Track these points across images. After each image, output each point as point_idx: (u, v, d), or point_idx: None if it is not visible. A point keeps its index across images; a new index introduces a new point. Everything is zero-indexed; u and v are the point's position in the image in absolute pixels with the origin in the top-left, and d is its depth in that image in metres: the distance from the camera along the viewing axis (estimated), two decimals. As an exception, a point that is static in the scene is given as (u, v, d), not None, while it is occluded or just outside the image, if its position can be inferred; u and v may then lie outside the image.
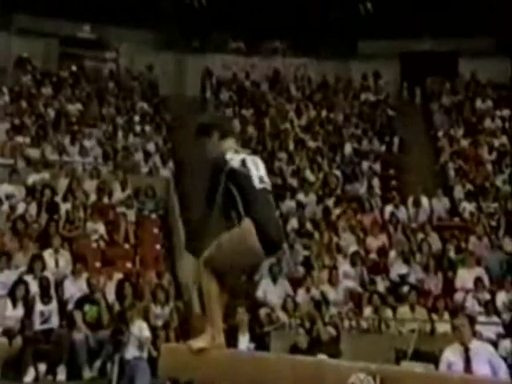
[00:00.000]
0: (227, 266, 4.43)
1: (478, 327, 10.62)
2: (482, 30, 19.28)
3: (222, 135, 4.70)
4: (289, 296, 11.79)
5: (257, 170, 4.51)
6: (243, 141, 16.50)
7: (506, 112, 17.61)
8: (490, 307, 11.55)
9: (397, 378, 3.85)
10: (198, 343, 4.42)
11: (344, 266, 12.74)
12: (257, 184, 4.45)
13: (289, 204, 14.57)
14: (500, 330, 11.04)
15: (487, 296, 11.95)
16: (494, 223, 14.01)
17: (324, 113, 18.30)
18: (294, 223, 13.87)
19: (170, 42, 20.62)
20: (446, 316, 11.37)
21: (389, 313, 11.82)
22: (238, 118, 17.47)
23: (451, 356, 7.80)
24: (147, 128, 17.00)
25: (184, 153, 16.62)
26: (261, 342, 9.59)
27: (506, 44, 19.43)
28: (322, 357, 8.27)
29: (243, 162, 4.48)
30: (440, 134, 17.46)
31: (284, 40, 21.20)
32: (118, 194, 14.23)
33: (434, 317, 11.53)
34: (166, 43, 20.59)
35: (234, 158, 4.50)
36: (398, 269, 12.84)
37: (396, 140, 17.62)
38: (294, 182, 15.37)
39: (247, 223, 4.32)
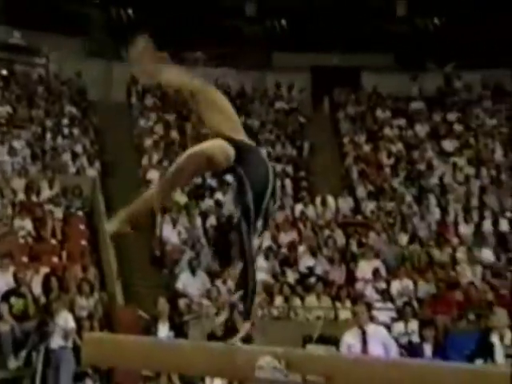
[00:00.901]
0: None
1: (374, 312, 10.94)
2: (383, 48, 19.81)
3: None
4: (213, 285, 11.86)
5: None
6: (166, 144, 16.49)
7: (402, 121, 18.08)
8: (385, 295, 11.93)
9: (300, 360, 3.92)
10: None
11: (257, 260, 12.87)
12: None
13: (208, 203, 14.61)
14: (393, 314, 11.37)
15: (383, 285, 12.29)
16: (391, 220, 14.41)
17: (242, 119, 18.31)
18: (212, 220, 13.91)
19: (98, 50, 20.38)
20: (348, 304, 11.64)
21: (297, 302, 12.01)
22: (162, 123, 17.39)
23: (350, 339, 8.02)
24: (75, 131, 16.73)
25: (110, 154, 16.49)
26: (180, 330, 9.62)
27: (403, 60, 19.99)
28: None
29: None
30: (345, 140, 17.76)
31: (206, 51, 21.23)
32: (46, 193, 14.01)
33: (338, 304, 11.81)
34: (94, 51, 20.35)
35: None
36: (306, 261, 13.04)
37: (306, 145, 17.83)
38: (213, 183, 15.40)
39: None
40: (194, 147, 3.97)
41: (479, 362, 7.78)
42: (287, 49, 20.43)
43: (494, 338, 8.03)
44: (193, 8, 19.99)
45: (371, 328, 8.19)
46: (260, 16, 21.29)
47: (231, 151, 3.98)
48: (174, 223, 13.55)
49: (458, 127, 17.61)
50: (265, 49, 20.95)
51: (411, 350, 8.86)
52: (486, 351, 7.99)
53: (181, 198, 14.41)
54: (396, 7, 20.77)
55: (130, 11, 21.33)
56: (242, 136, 4.19)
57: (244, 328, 4.18)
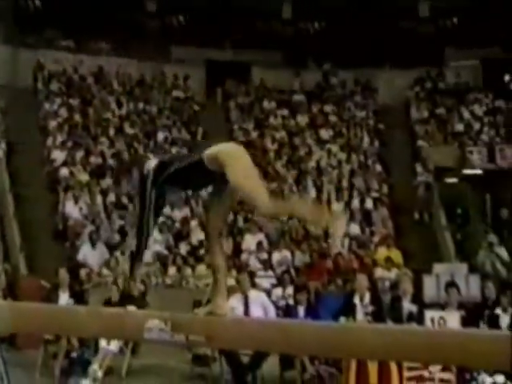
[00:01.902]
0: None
1: (257, 280, 11.17)
2: (271, 46, 20.03)
3: None
4: (111, 256, 11.73)
5: None
6: (70, 127, 16.10)
7: (285, 112, 18.33)
8: (267, 264, 12.16)
9: (184, 322, 3.99)
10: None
11: (154, 233, 12.82)
12: None
13: (108, 181, 14.39)
14: (274, 281, 11.63)
15: (265, 255, 12.51)
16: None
17: (141, 105, 18.15)
18: (112, 197, 13.74)
19: (5, 36, 19.57)
20: (234, 272, 11.78)
21: (189, 271, 12.06)
22: (66, 107, 16.95)
23: (234, 303, 8.18)
24: (-18, 113, 16.09)
25: (15, 135, 15.93)
26: (80, 297, 9.48)
27: (288, 58, 20.28)
28: (131, 308, 8.35)
29: None
30: (235, 127, 17.84)
31: (109, 41, 20.79)
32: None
33: (225, 273, 11.92)
34: (1, 38, 19.53)
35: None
36: (197, 235, 13.09)
37: (200, 130, 17.80)
38: (113, 163, 15.18)
39: None
40: None
41: (343, 319, 8.12)
42: (185, 43, 20.30)
43: (356, 300, 8.39)
44: (100, 3, 19.53)
45: (253, 293, 8.41)
46: (160, 12, 21.04)
47: None
48: (76, 200, 13.29)
49: (333, 118, 18.01)
50: (164, 42, 20.73)
51: (287, 311, 9.09)
52: (350, 310, 8.34)
53: (83, 176, 14.14)
54: (283, 10, 20.99)
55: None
56: None
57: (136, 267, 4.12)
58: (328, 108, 18.43)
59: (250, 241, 12.83)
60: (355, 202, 14.51)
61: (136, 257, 3.97)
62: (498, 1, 19.03)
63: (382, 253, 12.30)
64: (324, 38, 20.54)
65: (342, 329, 4.21)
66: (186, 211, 13.91)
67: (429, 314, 7.93)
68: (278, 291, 10.85)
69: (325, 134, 17.30)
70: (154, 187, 3.85)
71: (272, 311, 8.48)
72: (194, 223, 13.40)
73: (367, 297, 8.36)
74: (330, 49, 19.78)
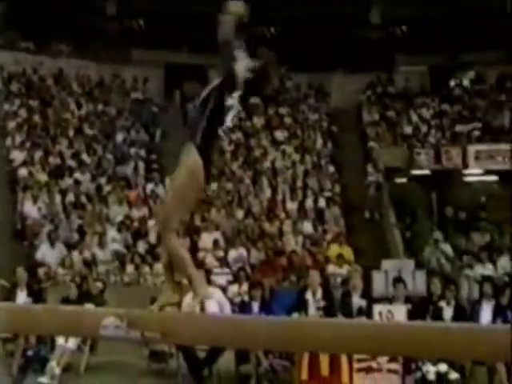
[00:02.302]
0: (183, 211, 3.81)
1: (213, 277, 11.15)
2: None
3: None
4: (69, 255, 11.57)
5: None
6: (29, 127, 15.83)
7: (242, 114, 18.31)
8: (223, 262, 12.15)
9: (140, 318, 3.97)
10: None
11: (112, 232, 12.70)
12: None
13: (67, 181, 14.20)
14: (230, 278, 11.63)
15: (222, 253, 12.50)
16: (229, 198, 14.63)
17: (100, 107, 17.95)
18: (71, 197, 13.56)
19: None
20: (191, 270, 11.73)
21: (147, 269, 11.98)
22: (26, 108, 16.66)
23: (190, 299, 8.15)
24: None
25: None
26: (38, 296, 9.33)
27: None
28: (89, 306, 8.26)
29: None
30: (191, 127, 17.75)
31: (69, 43, 20.53)
32: None
33: (182, 271, 11.86)
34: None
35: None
36: (155, 234, 13.00)
37: (158, 131, 17.69)
38: (72, 163, 14.98)
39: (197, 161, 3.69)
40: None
41: (296, 314, 8.19)
42: (144, 46, 20.16)
43: (309, 295, 8.45)
44: (60, 5, 19.28)
45: (209, 290, 8.36)
46: (119, 15, 20.86)
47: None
48: (35, 200, 13.08)
49: (287, 120, 18.09)
50: (123, 45, 20.54)
51: (242, 307, 9.11)
52: (302, 306, 8.40)
53: (42, 176, 13.92)
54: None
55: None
56: None
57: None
58: (283, 110, 18.51)
59: (206, 239, 12.80)
60: (309, 202, 14.60)
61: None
62: (445, 11, 19.41)
63: (334, 250, 12.41)
64: (280, 42, 20.62)
65: (294, 323, 4.24)
66: (144, 210, 13.81)
67: (377, 308, 8.04)
68: (233, 288, 10.86)
69: (280, 135, 17.37)
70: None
71: (227, 307, 8.50)
72: (151, 222, 13.30)
73: (319, 292, 8.44)
74: (286, 53, 19.85)
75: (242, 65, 3.76)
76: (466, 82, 18.72)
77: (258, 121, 18.03)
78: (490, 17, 19.63)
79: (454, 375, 7.49)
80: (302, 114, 18.29)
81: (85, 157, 15.34)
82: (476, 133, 16.67)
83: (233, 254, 12.46)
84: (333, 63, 19.74)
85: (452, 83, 18.86)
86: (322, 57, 19.44)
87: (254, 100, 18.98)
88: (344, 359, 7.62)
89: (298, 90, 19.38)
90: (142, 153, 16.53)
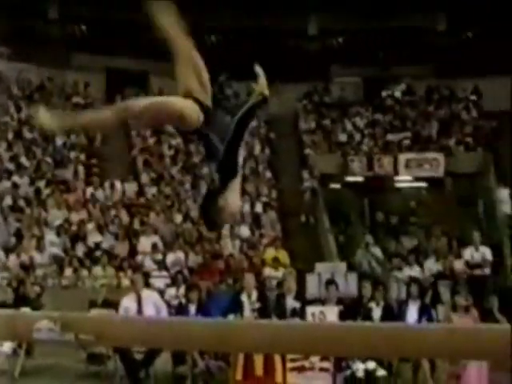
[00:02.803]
0: None
1: (152, 280, 11.07)
2: (170, 55, 19.92)
3: None
4: (7, 259, 11.27)
5: None
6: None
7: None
8: (161, 265, 12.08)
9: (74, 321, 3.91)
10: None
11: (50, 236, 12.44)
12: None
13: (5, 184, 13.83)
14: (168, 281, 11.56)
15: (160, 257, 12.42)
16: (168, 203, 14.55)
17: (39, 111, 17.56)
18: (8, 201, 13.21)
19: None
20: (130, 273, 11.61)
21: (85, 272, 11.79)
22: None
23: (127, 303, 8.09)
24: None
25: None
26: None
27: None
28: (26, 310, 8.07)
29: None
30: (133, 133, 17.59)
31: (10, 46, 20.03)
32: None
33: (121, 274, 11.73)
34: None
35: None
36: (94, 237, 12.83)
37: (98, 136, 17.39)
38: (10, 166, 14.61)
39: None
40: (169, 97, 3.53)
41: (231, 316, 8.21)
42: (86, 50, 19.87)
43: (244, 297, 8.49)
44: (1, 8, 18.79)
45: (146, 293, 8.34)
46: (61, 19, 20.49)
47: (201, 116, 3.52)
48: (-29, 203, 12.70)
49: (227, 127, 18.10)
50: (65, 49, 20.19)
51: (179, 310, 9.07)
52: (238, 307, 8.44)
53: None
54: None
55: None
56: (208, 98, 3.71)
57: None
58: (223, 117, 18.47)
59: (145, 243, 12.68)
60: (246, 207, 14.63)
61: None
62: (379, 27, 19.89)
63: (270, 253, 12.48)
64: (220, 51, 20.69)
65: (228, 325, 4.26)
66: (83, 214, 13.58)
67: (310, 310, 8.14)
68: (171, 291, 10.78)
69: (219, 141, 17.34)
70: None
71: (164, 310, 8.45)
72: (90, 226, 13.10)
73: (254, 294, 8.48)
74: (225, 61, 19.92)
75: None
76: (397, 94, 19.19)
77: (198, 127, 17.96)
78: (420, 34, 20.27)
79: (381, 372, 7.65)
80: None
81: (24, 160, 14.97)
82: (406, 142, 17.11)
83: (171, 257, 12.38)
84: (271, 72, 19.79)
85: (384, 94, 19.29)
86: (261, 65, 19.54)
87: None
88: (278, 359, 7.67)
89: (237, 98, 19.35)
90: (82, 157, 16.26)
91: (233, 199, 3.52)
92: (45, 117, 3.38)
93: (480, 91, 18.62)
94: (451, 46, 20.19)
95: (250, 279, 8.53)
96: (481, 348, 3.70)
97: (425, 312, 8.50)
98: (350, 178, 15.88)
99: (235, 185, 3.54)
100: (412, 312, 8.56)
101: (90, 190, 14.54)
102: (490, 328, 3.79)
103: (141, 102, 3.47)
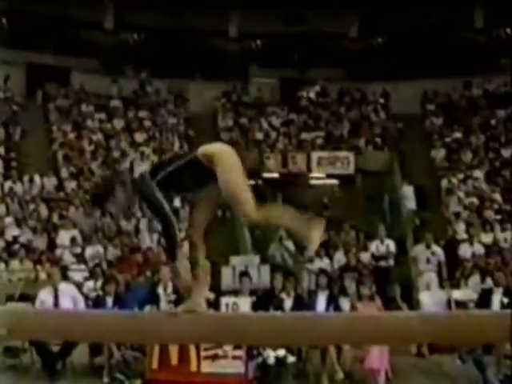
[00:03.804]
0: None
1: (70, 273, 10.84)
2: (89, 53, 19.62)
3: None
4: None
5: None
6: None
7: (102, 115, 17.86)
8: (80, 258, 11.85)
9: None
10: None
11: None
12: None
13: None
14: (86, 274, 11.35)
15: (79, 250, 12.19)
16: (88, 197, 14.25)
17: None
18: None
19: None
20: (48, 266, 11.32)
21: (2, 266, 11.40)
22: None
23: (44, 295, 7.90)
24: None
25: None
26: None
27: (107, 65, 19.91)
28: None
29: None
30: (54, 127, 17.14)
31: None
32: None
33: (39, 267, 11.42)
34: None
35: None
36: (12, 231, 12.42)
37: (18, 130, 16.86)
38: None
39: None
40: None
41: (148, 307, 8.18)
42: (6, 45, 19.15)
43: (160, 289, 8.48)
44: None
45: (63, 286, 8.17)
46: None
47: None
48: None
49: (147, 123, 17.95)
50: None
51: (96, 302, 8.93)
52: (154, 299, 8.42)
53: None
54: (105, 21, 20.54)
55: None
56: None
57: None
58: (143, 114, 18.32)
59: (64, 236, 12.39)
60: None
61: (174, 247, 3.68)
62: (297, 31, 20.22)
63: (187, 247, 12.43)
64: (142, 48, 20.46)
65: (141, 317, 4.26)
66: (1, 208, 13.12)
67: (224, 301, 8.22)
68: (89, 284, 10.60)
69: (139, 137, 17.18)
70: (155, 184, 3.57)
71: (81, 303, 8.31)
72: (8, 220, 12.67)
73: (170, 286, 8.48)
74: (147, 59, 19.76)
75: None
76: (311, 95, 19.53)
77: (118, 123, 17.73)
78: (333, 39, 20.76)
79: (291, 359, 7.81)
80: (161, 118, 18.20)
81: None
82: (319, 141, 17.46)
83: (90, 250, 12.16)
84: (192, 71, 19.87)
85: (299, 95, 19.60)
86: (182, 64, 19.53)
87: (114, 103, 18.67)
88: (192, 348, 7.71)
89: (157, 95, 19.27)
90: (1, 150, 15.69)
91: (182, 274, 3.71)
92: None
93: (388, 94, 19.23)
94: (362, 51, 20.78)
95: (165, 272, 8.50)
96: (381, 333, 3.87)
97: (332, 301, 8.73)
98: (266, 175, 16.06)
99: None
100: (321, 302, 8.78)
101: (8, 184, 14.06)
102: (391, 315, 3.97)
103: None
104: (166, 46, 20.39)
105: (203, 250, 3.85)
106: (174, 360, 7.73)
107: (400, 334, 3.92)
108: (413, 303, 10.92)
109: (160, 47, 20.36)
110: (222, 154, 3.55)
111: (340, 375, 8.36)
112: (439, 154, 16.70)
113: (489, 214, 13.95)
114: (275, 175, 16.26)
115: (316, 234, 3.58)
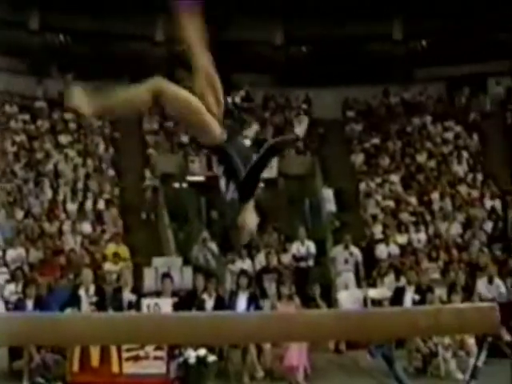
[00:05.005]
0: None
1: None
2: (17, 53, 19.10)
3: None
4: None
5: None
6: None
7: (27, 117, 17.41)
8: (1, 261, 11.53)
9: None
10: None
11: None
12: None
13: None
14: (7, 277, 10.97)
15: (0, 253, 11.83)
16: (10, 199, 13.87)
17: None
18: None
19: None
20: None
21: None
22: None
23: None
24: None
25: None
26: None
27: (33, 67, 19.42)
28: None
29: None
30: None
31: None
32: None
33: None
34: None
35: None
36: None
37: None
38: None
39: None
40: (203, 103, 3.38)
41: (69, 310, 8.05)
42: None
43: (82, 292, 8.35)
44: None
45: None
46: None
47: (223, 133, 3.46)
48: None
49: (72, 125, 17.56)
50: None
51: (16, 305, 8.71)
52: (75, 302, 8.30)
53: None
54: (30, 22, 20.01)
55: None
56: (221, 114, 3.70)
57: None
58: (68, 116, 17.90)
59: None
60: (88, 203, 14.32)
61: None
62: (221, 38, 20.33)
63: (110, 249, 12.30)
64: (68, 50, 20.06)
65: (61, 319, 4.19)
66: None
67: (145, 302, 8.18)
68: (11, 287, 10.31)
69: (64, 139, 16.81)
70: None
71: (1, 305, 8.06)
72: None
73: (92, 289, 8.38)
74: (74, 61, 19.40)
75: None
76: (237, 99, 19.62)
77: (42, 124, 17.29)
78: (259, 46, 21.04)
79: (211, 358, 7.86)
80: (86, 120, 17.85)
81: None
82: (243, 145, 17.58)
83: (11, 253, 11.81)
84: (119, 74, 19.62)
85: (225, 99, 19.66)
86: (109, 67, 19.28)
87: (39, 104, 18.19)
88: (113, 350, 7.64)
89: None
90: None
91: (249, 219, 3.57)
92: (80, 98, 3.09)
93: (311, 101, 19.61)
94: (287, 58, 21.14)
95: (87, 274, 8.40)
96: (294, 331, 3.98)
97: (253, 302, 8.85)
98: (190, 178, 16.05)
99: (250, 205, 3.58)
100: (242, 302, 8.88)
101: None
102: (304, 313, 4.08)
103: (176, 89, 3.30)
104: (92, 48, 20.07)
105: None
106: (95, 362, 7.64)
107: (313, 330, 4.05)
108: (332, 302, 11.20)
109: (87, 49, 20.03)
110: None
111: (260, 373, 8.49)
112: (358, 158, 17.16)
113: (404, 216, 14.43)
114: (200, 178, 16.27)
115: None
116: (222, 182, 3.55)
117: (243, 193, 3.52)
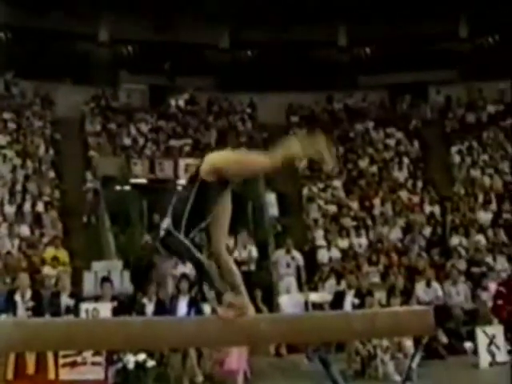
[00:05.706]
0: None
1: None
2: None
3: None
4: None
5: None
6: None
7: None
8: None
9: None
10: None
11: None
12: None
13: None
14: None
15: None
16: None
17: None
18: None
19: None
20: None
21: None
22: None
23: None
24: None
25: None
26: None
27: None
28: None
29: None
30: None
31: None
32: None
33: None
34: None
35: None
36: None
37: None
38: None
39: None
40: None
41: (4, 315, 7.85)
42: None
43: (18, 297, 8.17)
44: None
45: None
46: None
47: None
48: None
49: (11, 125, 17.13)
50: None
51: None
52: (11, 307, 8.11)
53: None
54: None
55: None
56: None
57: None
58: (7, 116, 17.46)
59: None
60: (27, 206, 13.98)
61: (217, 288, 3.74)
62: (168, 37, 20.27)
63: (49, 252, 12.04)
64: (8, 48, 19.60)
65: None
66: None
67: (84, 306, 8.06)
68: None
69: (2, 139, 16.36)
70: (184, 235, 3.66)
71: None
72: None
73: (28, 293, 8.20)
74: (14, 60, 18.97)
75: None
76: (181, 103, 19.60)
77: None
78: (204, 49, 21.10)
79: (151, 363, 7.81)
80: (26, 121, 17.47)
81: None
82: (187, 148, 17.54)
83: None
84: (60, 74, 19.30)
85: (169, 102, 19.62)
86: (50, 67, 18.95)
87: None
88: (50, 356, 7.48)
89: (23, 97, 18.47)
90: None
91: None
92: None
93: (255, 105, 19.73)
94: (232, 62, 21.23)
95: (23, 278, 8.22)
96: (230, 334, 4.02)
97: (193, 306, 8.83)
98: (132, 180, 15.88)
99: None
100: (182, 306, 8.86)
101: None
102: (245, 317, 4.12)
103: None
104: (33, 47, 19.67)
105: (231, 259, 4.05)
106: (31, 369, 7.47)
107: (250, 334, 4.10)
108: (273, 306, 11.27)
109: (27, 48, 19.60)
110: (215, 159, 3.78)
111: (200, 378, 8.47)
112: (301, 163, 17.34)
113: (346, 220, 14.67)
114: (143, 181, 16.12)
115: (325, 150, 3.68)
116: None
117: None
